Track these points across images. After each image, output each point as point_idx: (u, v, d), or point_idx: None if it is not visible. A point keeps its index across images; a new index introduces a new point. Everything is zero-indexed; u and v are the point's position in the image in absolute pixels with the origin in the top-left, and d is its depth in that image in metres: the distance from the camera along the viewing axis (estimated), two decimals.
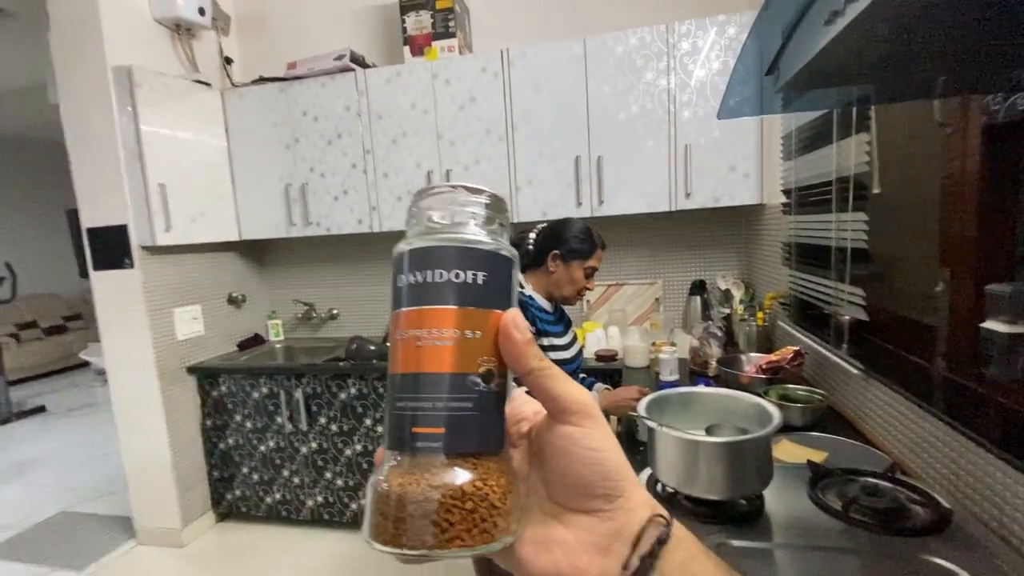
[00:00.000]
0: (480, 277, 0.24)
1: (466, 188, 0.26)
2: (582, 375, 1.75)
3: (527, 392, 0.27)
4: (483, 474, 0.24)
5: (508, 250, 0.26)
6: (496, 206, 0.26)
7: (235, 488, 2.55)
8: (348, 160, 2.45)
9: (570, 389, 0.25)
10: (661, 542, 0.24)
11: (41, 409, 4.79)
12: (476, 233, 0.25)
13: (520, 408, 0.28)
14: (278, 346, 2.85)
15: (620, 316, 2.46)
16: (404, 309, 0.25)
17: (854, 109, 1.25)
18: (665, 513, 0.25)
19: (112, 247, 2.26)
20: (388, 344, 0.26)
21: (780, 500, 0.93)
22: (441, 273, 0.24)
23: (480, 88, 2.24)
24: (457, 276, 0.24)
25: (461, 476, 0.23)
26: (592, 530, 0.25)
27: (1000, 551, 0.77)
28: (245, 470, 2.52)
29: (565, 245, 1.47)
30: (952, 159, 1.03)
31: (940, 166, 1.07)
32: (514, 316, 0.25)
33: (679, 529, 0.25)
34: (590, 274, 1.50)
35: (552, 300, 1.54)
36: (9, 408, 4.60)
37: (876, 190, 1.22)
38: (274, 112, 2.50)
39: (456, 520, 0.22)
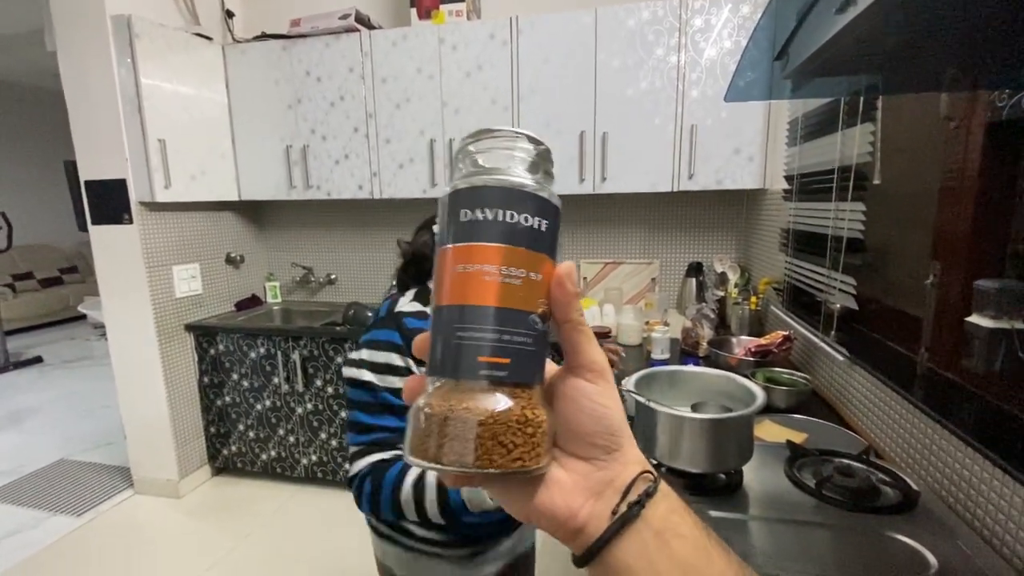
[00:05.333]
0: (544, 225, 0.27)
1: (529, 138, 0.27)
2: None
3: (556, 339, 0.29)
4: (535, 404, 0.26)
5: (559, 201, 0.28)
6: (547, 155, 0.28)
7: (231, 444, 2.61)
8: (350, 123, 2.42)
9: (594, 349, 0.28)
10: (648, 494, 0.27)
11: (38, 360, 4.83)
12: (545, 186, 0.27)
13: None
14: (275, 308, 2.87)
15: (616, 294, 2.49)
16: (482, 243, 0.25)
17: (861, 98, 1.24)
18: (654, 471, 0.28)
19: (111, 201, 2.25)
20: (439, 274, 0.27)
21: (758, 476, 0.97)
22: (527, 217, 0.26)
23: (487, 56, 2.20)
24: (538, 223, 0.26)
25: (521, 403, 0.25)
26: (588, 476, 0.28)
27: (962, 532, 0.82)
28: (241, 427, 2.58)
29: None
30: (954, 154, 1.04)
31: (941, 160, 1.08)
32: (571, 267, 0.27)
33: (665, 486, 0.28)
34: None
35: None
36: (6, 358, 4.64)
37: (876, 181, 1.23)
38: (276, 70, 2.45)
39: (520, 442, 0.25)
